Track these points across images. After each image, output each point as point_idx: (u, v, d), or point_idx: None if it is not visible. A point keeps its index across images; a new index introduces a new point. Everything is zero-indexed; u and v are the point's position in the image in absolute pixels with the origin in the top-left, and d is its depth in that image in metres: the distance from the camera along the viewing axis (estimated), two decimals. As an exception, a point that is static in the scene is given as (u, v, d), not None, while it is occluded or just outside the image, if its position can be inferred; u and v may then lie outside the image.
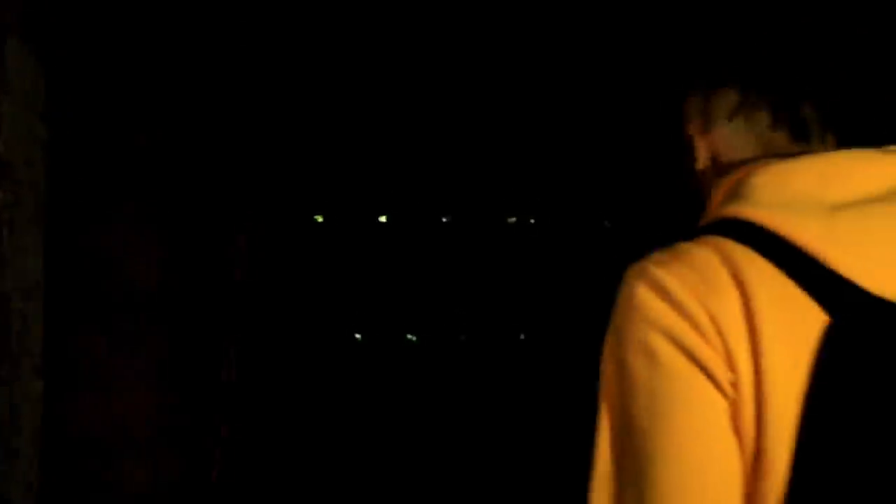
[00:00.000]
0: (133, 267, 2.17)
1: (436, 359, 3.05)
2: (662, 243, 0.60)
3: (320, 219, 3.25)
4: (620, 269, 0.61)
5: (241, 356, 2.46)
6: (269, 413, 2.64)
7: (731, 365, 0.55)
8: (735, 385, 0.55)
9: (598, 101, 2.68)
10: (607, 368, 0.59)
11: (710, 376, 0.55)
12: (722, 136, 0.67)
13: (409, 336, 3.11)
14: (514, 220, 3.10)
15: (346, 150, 3.02)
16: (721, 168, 0.66)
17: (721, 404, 0.55)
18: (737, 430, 0.55)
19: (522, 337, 3.05)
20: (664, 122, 0.77)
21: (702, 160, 0.69)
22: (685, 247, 0.59)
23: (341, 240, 3.11)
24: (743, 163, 0.63)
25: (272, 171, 2.86)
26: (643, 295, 0.57)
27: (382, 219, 3.27)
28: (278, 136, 2.84)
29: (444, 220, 3.14)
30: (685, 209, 0.68)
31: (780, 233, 0.57)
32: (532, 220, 3.08)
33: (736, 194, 0.61)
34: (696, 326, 0.56)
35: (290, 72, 2.82)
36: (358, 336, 3.17)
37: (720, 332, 0.55)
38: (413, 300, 3.06)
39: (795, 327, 0.55)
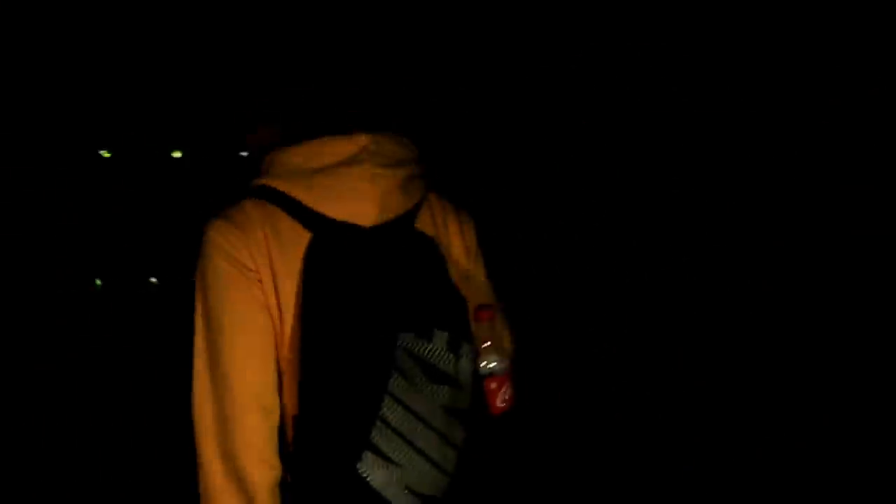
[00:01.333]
0: None
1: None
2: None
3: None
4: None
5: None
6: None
7: (261, 271, 0.98)
8: (262, 282, 0.98)
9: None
10: (197, 286, 0.98)
11: (251, 279, 0.97)
12: (263, 133, 1.10)
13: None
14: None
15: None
16: (264, 151, 1.06)
17: (259, 295, 0.97)
18: (268, 307, 0.98)
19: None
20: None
21: (255, 148, 1.11)
22: (241, 204, 1.01)
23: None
24: (272, 149, 1.05)
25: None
26: (215, 238, 0.98)
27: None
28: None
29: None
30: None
31: (282, 190, 1.01)
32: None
33: (266, 170, 1.04)
34: (242, 250, 0.97)
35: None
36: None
37: (252, 253, 0.98)
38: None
39: (293, 242, 0.99)
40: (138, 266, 3.50)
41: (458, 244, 1.16)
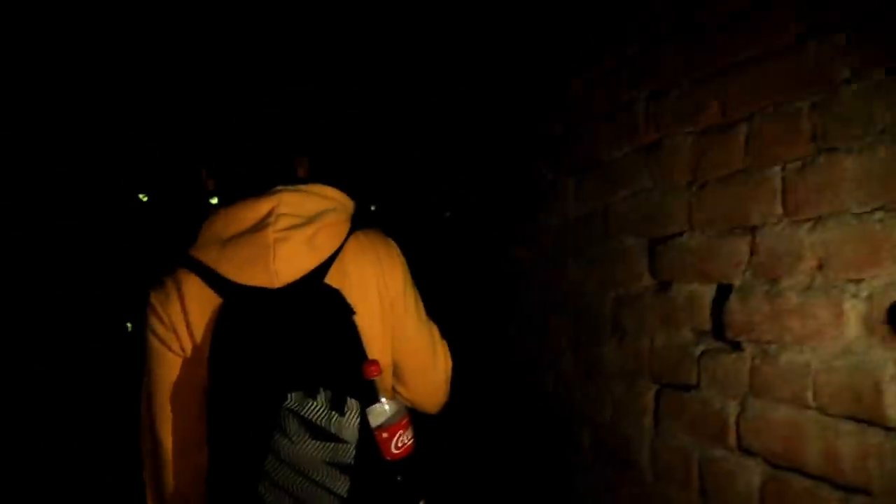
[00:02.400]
0: None
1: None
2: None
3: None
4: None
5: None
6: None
7: (178, 336, 1.15)
8: (181, 345, 1.15)
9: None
10: (146, 350, 1.18)
11: (168, 346, 1.15)
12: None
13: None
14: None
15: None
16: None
17: (175, 358, 1.15)
18: (185, 365, 1.14)
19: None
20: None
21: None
22: (174, 272, 1.17)
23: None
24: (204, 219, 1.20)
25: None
26: (148, 312, 1.17)
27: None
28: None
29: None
30: None
31: (199, 258, 1.15)
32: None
33: (197, 237, 1.19)
34: (161, 322, 1.15)
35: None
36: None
37: (172, 322, 1.14)
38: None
39: (205, 307, 1.13)
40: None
41: (377, 289, 1.22)
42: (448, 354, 1.36)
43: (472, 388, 1.41)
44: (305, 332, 1.10)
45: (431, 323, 1.35)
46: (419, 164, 3.08)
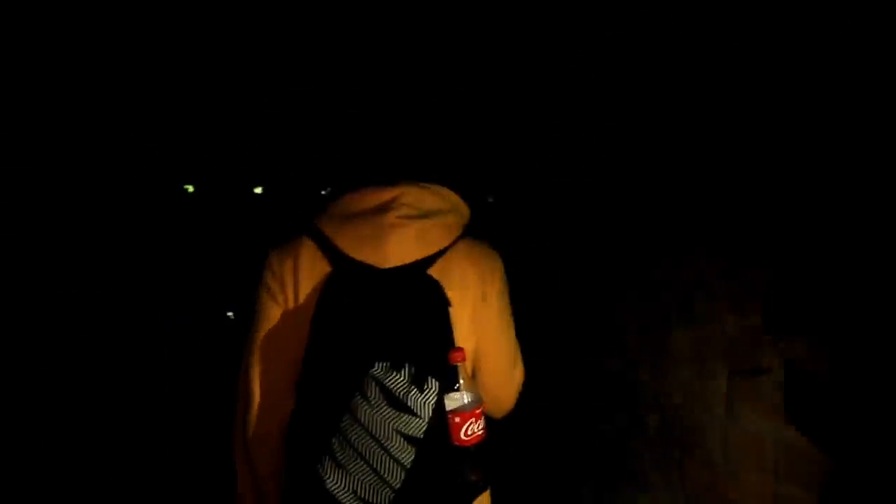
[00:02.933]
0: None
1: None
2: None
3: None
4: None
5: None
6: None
7: (285, 292, 1.26)
8: (286, 301, 1.26)
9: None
10: (255, 302, 1.30)
11: (275, 299, 1.27)
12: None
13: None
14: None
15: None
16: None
17: (278, 311, 1.27)
18: (285, 319, 1.26)
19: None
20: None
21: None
22: (295, 238, 1.29)
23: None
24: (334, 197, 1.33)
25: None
26: (267, 267, 1.29)
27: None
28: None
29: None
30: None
31: (321, 229, 1.27)
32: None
33: (323, 212, 1.30)
34: (273, 277, 1.27)
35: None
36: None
37: (283, 279, 1.26)
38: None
39: (315, 272, 1.25)
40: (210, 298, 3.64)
41: (474, 290, 1.29)
42: (523, 372, 1.43)
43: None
44: (402, 313, 1.19)
45: (516, 341, 1.41)
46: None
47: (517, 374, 1.42)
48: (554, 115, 2.66)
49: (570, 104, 2.57)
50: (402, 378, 1.14)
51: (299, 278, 1.25)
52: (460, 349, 1.19)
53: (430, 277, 1.24)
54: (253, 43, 3.21)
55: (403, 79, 1.42)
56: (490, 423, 1.24)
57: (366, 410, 1.13)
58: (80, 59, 3.02)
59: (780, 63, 1.68)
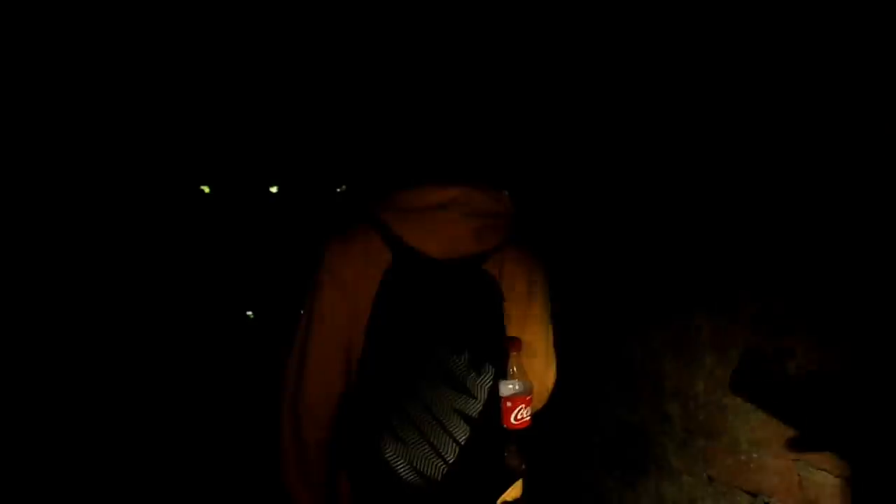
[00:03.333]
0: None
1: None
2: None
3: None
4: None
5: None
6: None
7: (345, 276, 1.30)
8: (345, 284, 1.31)
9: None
10: (316, 283, 1.34)
11: (334, 282, 1.31)
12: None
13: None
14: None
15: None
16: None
17: (336, 294, 1.31)
18: (343, 301, 1.31)
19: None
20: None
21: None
22: (357, 227, 1.35)
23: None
24: (395, 189, 1.38)
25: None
26: (328, 252, 1.34)
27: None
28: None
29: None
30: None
31: (384, 221, 1.32)
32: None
33: (384, 203, 1.35)
34: (335, 260, 1.32)
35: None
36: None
37: (345, 263, 1.31)
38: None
39: (376, 260, 1.30)
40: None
41: (521, 288, 1.40)
42: (555, 374, 1.52)
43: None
44: (461, 303, 1.28)
45: (553, 346, 1.51)
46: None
47: (550, 375, 1.51)
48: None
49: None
50: (461, 362, 1.24)
51: (361, 264, 1.31)
52: (518, 339, 1.29)
53: (487, 272, 1.33)
54: (264, 43, 3.23)
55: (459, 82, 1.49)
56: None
57: (425, 389, 1.22)
58: (96, 59, 3.04)
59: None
